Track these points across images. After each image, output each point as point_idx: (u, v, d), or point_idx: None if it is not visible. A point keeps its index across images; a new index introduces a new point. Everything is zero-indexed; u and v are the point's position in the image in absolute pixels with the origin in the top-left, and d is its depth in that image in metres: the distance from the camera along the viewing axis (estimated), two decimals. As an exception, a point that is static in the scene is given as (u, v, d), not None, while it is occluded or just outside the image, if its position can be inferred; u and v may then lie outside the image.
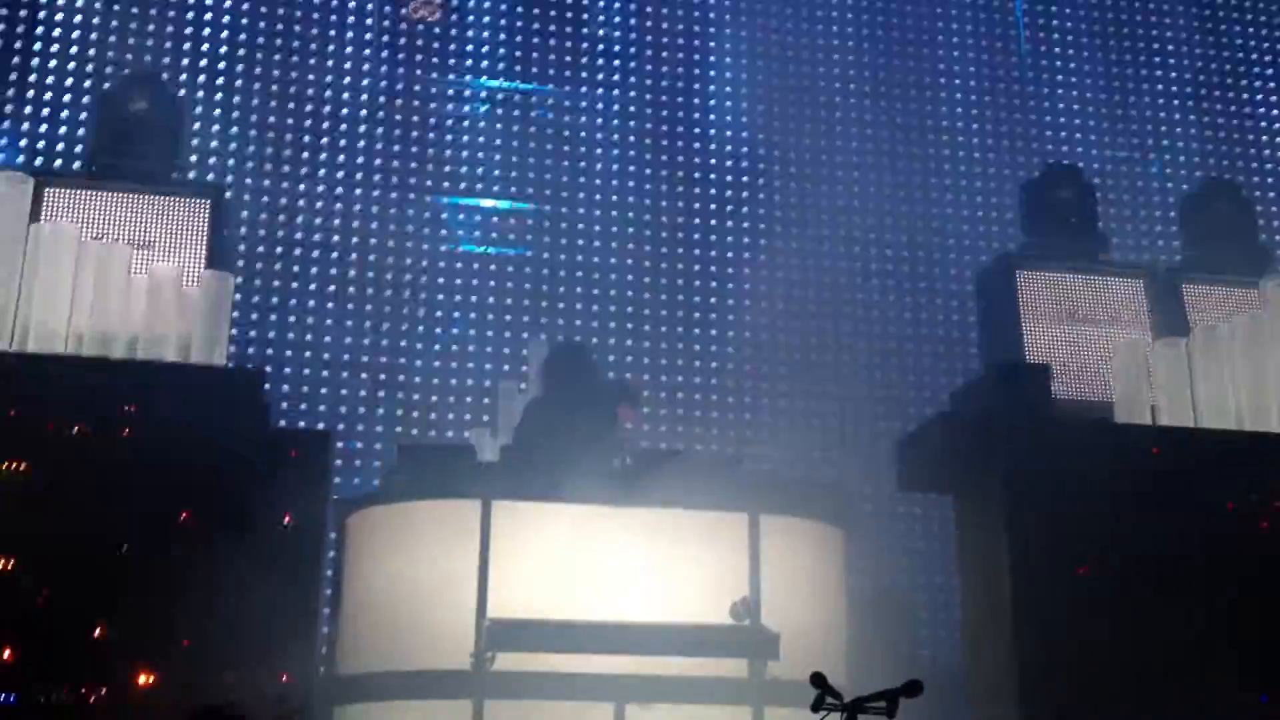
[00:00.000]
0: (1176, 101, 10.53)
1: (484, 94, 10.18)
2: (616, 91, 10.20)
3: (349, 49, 10.10)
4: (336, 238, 9.66)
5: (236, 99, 9.81)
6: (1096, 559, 7.31)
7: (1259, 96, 10.71)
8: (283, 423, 8.83)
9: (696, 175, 9.90)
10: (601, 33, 10.31)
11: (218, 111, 9.78)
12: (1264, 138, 10.54)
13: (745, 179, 9.86)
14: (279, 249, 9.54)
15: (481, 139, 10.09)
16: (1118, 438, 7.94)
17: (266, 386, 8.72)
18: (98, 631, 6.55)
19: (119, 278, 7.74)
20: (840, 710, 4.50)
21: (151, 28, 9.76)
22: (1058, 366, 8.75)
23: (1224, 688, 7.05)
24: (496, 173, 9.99)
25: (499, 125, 10.14)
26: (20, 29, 9.75)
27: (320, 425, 8.98)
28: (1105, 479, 7.48)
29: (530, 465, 7.61)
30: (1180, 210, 9.96)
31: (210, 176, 9.63)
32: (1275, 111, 10.65)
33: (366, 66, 10.11)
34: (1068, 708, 7.11)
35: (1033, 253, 9.30)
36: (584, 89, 10.24)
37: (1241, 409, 7.99)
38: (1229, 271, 8.97)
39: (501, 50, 10.24)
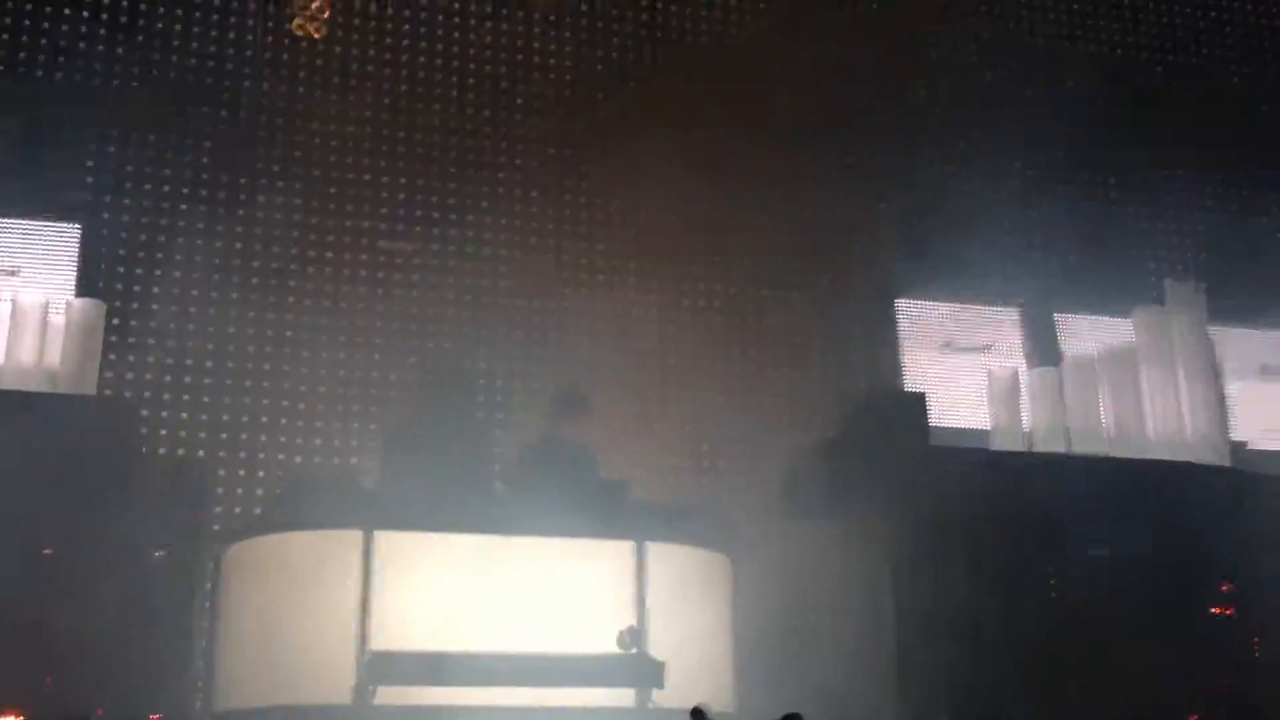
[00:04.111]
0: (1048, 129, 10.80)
1: (367, 114, 10.04)
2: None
3: (229, 65, 9.86)
4: (218, 260, 9.40)
5: (110, 117, 9.51)
6: (977, 583, 7.47)
7: (1132, 126, 11.01)
8: (162, 450, 8.57)
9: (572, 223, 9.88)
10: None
11: (88, 131, 9.46)
12: (1138, 165, 10.84)
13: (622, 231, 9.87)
14: (157, 272, 9.25)
15: (366, 160, 9.92)
16: (993, 465, 8.14)
17: (144, 413, 8.52)
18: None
19: (-21, 307, 7.51)
20: (721, 744, 4.54)
21: (23, 40, 9.44)
22: (935, 395, 8.95)
23: (1103, 708, 7.26)
24: (384, 195, 9.84)
25: (384, 146, 9.99)
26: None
27: (200, 453, 8.75)
28: (982, 506, 7.67)
29: (409, 494, 7.53)
30: (1054, 240, 10.25)
31: (84, 197, 9.32)
32: (1148, 138, 10.93)
33: (247, 84, 9.88)
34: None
35: (910, 281, 9.49)
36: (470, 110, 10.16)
37: (1111, 436, 8.27)
38: (1101, 301, 9.28)
39: (387, 70, 10.11)
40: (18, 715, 6.31)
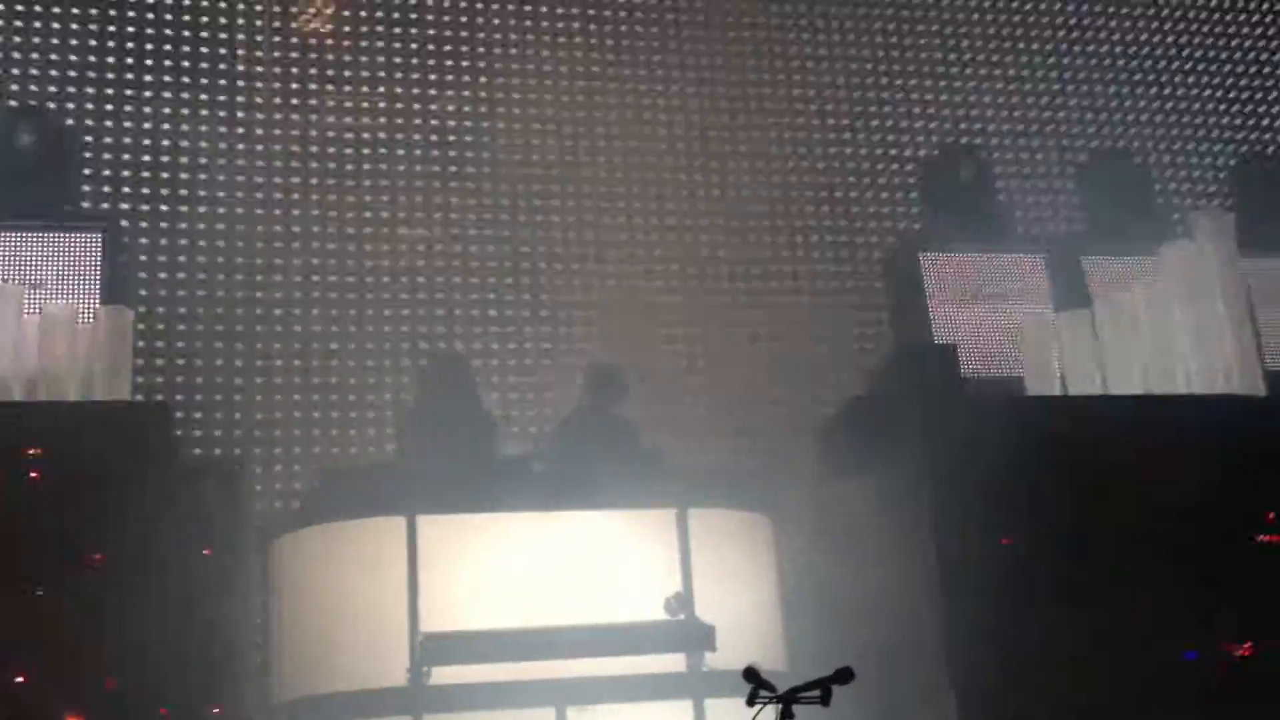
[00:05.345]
0: (1069, 73, 10.74)
1: (378, 106, 10.05)
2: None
3: (240, 67, 9.89)
4: (240, 259, 9.46)
5: (127, 124, 9.56)
6: (1019, 531, 7.44)
7: (1159, 63, 10.95)
8: (198, 450, 8.64)
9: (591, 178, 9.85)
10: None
11: (108, 139, 9.52)
12: (1161, 104, 10.78)
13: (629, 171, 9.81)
14: (180, 275, 9.32)
15: (383, 151, 9.94)
16: (1029, 410, 8.10)
17: (179, 414, 8.58)
18: (19, 679, 6.39)
19: (10, 320, 7.52)
20: (775, 702, 4.56)
21: (35, 56, 9.48)
22: (965, 345, 8.91)
23: (1155, 649, 7.24)
24: (400, 184, 9.85)
25: (398, 142, 10.00)
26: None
27: (236, 451, 8.82)
28: (1021, 452, 7.62)
29: (447, 478, 7.57)
30: (1077, 182, 10.19)
31: (104, 206, 9.38)
32: (1174, 77, 10.86)
33: (260, 85, 9.91)
34: (999, 677, 7.24)
35: (934, 233, 9.46)
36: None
37: (1147, 374, 8.22)
38: (1128, 241, 9.21)
39: (396, 59, 10.10)
40: (80, 718, 6.37)
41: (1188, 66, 10.99)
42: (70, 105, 9.41)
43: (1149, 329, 8.33)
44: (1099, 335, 8.38)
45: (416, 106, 10.00)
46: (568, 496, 7.49)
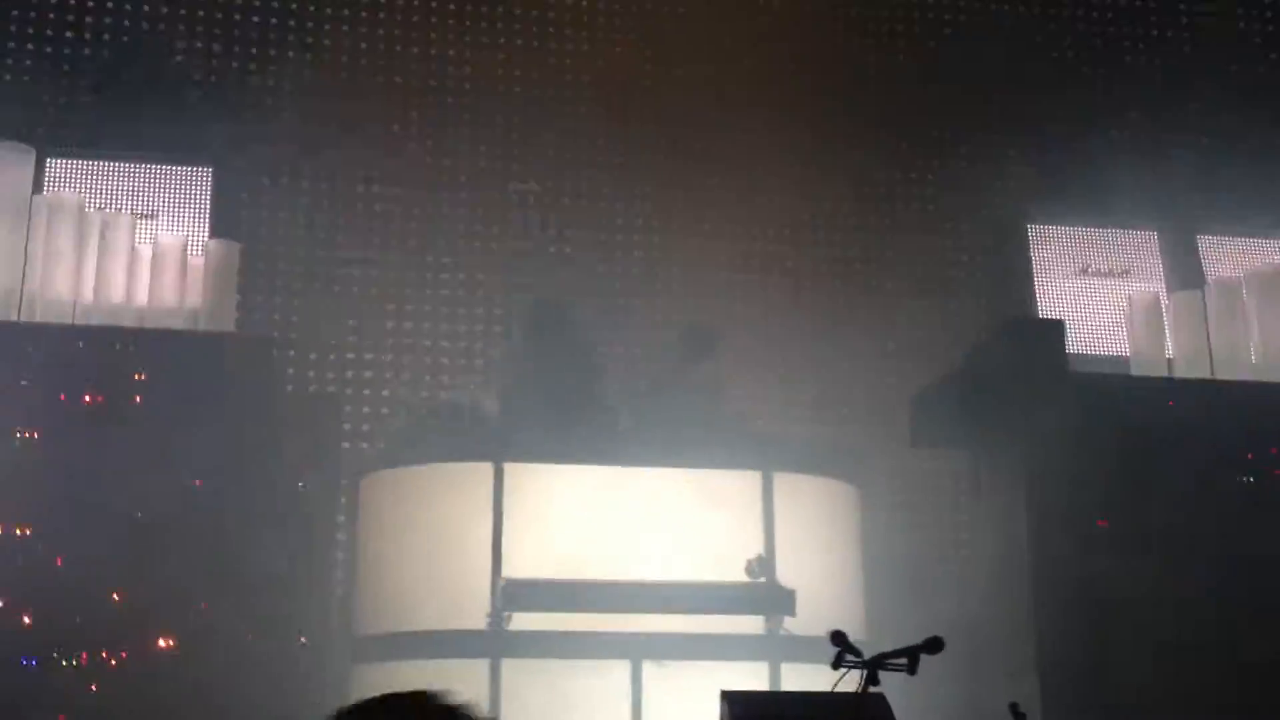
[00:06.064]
0: (1189, 49, 10.37)
1: (484, 51, 10.01)
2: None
3: (364, 12, 9.90)
4: (345, 201, 9.53)
5: (235, 64, 9.66)
6: (1116, 513, 7.27)
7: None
8: (291, 388, 8.77)
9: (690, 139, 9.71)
10: None
11: (215, 78, 9.63)
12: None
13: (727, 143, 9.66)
14: (282, 213, 9.42)
15: (497, 102, 9.89)
16: (1134, 391, 7.90)
17: (275, 352, 8.70)
18: (115, 597, 6.57)
19: (123, 248, 7.69)
20: (861, 667, 4.49)
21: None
22: (1071, 321, 8.72)
23: (1247, 640, 7.04)
24: (513, 137, 9.79)
25: (512, 92, 9.94)
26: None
27: (330, 389, 8.93)
28: (1123, 433, 7.44)
29: (537, 428, 7.59)
30: (1194, 160, 9.85)
31: (214, 140, 9.50)
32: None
33: (364, 30, 9.94)
34: (1086, 661, 7.11)
35: (1043, 205, 9.22)
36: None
37: (1259, 361, 7.95)
38: (1245, 222, 8.92)
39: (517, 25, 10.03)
40: (170, 640, 6.54)
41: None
42: (180, 43, 9.51)
43: (1263, 313, 8.04)
44: (1210, 318, 8.11)
45: (523, 51, 9.96)
46: (654, 453, 7.47)
